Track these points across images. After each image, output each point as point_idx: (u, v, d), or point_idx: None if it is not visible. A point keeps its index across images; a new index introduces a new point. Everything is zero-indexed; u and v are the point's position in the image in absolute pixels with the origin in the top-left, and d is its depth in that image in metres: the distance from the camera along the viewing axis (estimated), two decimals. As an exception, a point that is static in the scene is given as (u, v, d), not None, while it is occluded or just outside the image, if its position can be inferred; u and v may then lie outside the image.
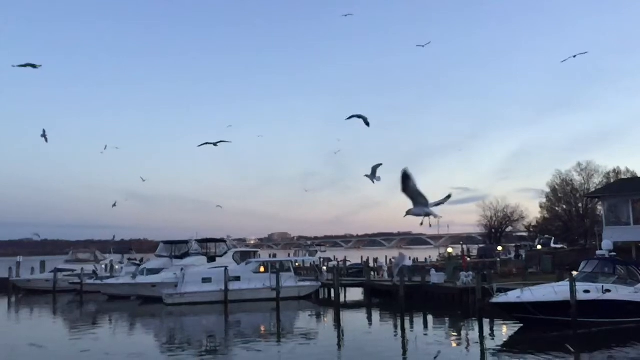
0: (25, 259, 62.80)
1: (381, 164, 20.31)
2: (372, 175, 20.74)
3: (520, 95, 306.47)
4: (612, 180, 61.41)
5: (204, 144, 21.07)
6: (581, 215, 69.03)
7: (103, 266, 52.19)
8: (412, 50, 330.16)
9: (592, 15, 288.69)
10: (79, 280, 44.20)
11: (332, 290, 36.75)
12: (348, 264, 55.15)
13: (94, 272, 47.48)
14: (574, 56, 31.05)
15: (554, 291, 23.82)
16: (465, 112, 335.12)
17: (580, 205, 70.11)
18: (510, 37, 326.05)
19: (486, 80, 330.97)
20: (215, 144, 20.64)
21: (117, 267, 51.86)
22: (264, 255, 58.14)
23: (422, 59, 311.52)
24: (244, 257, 44.48)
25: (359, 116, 18.59)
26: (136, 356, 20.52)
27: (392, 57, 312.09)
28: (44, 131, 31.58)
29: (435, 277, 35.23)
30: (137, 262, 51.12)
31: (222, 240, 47.96)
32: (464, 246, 71.03)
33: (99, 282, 43.33)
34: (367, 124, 18.87)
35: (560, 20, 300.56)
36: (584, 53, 31.06)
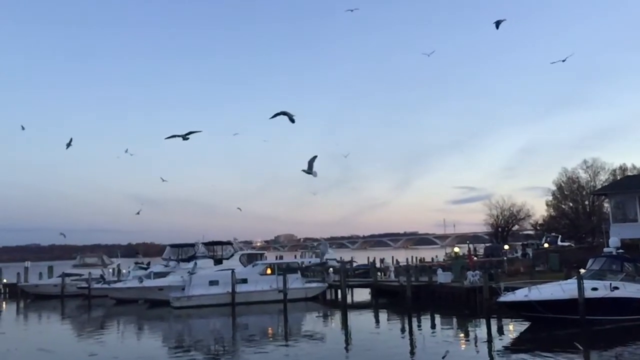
0: (32, 264, 63.15)
1: (316, 156, 20.04)
2: (309, 170, 20.32)
3: (525, 93, 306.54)
4: (618, 177, 61.15)
5: (171, 137, 19.07)
6: (588, 212, 68.82)
7: (110, 270, 52.38)
8: (415, 50, 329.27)
9: (598, 11, 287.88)
10: (86, 285, 44.44)
11: (339, 291, 36.76)
12: (354, 264, 55.06)
13: (102, 276, 47.69)
14: (563, 60, 32.14)
15: (561, 289, 23.76)
16: (470, 110, 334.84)
17: (586, 202, 69.94)
18: (515, 34, 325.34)
19: (491, 78, 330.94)
20: (184, 138, 18.83)
21: (124, 271, 52.05)
22: (271, 257, 58.20)
23: (426, 59, 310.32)
24: (250, 259, 44.55)
25: (284, 113, 17.99)
26: None
27: (395, 57, 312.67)
28: (71, 140, 31.79)
29: (442, 277, 35.16)
30: (144, 266, 51.27)
31: (229, 243, 48.01)
32: (471, 245, 70.77)
33: (106, 286, 43.49)
34: (292, 120, 18.24)
35: (565, 17, 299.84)
36: (568, 57, 32.10)
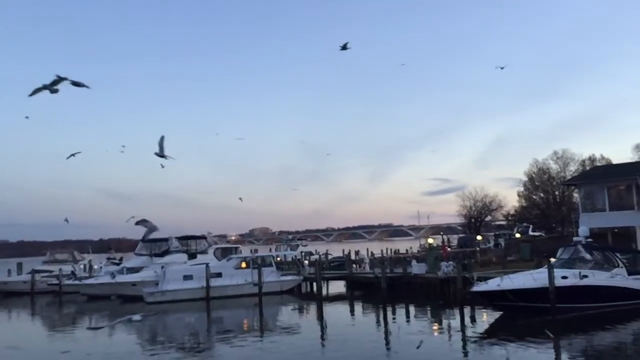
0: (1, 260, 61.90)
1: (163, 136, 19.38)
2: (162, 152, 19.75)
3: (497, 85, 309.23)
4: (587, 168, 62.39)
5: (35, 92, 14.92)
6: (558, 202, 70.12)
7: (82, 266, 51.53)
8: (388, 43, 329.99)
9: (567, 3, 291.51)
10: (57, 281, 43.67)
11: (314, 284, 36.81)
12: (330, 257, 55.19)
13: (73, 272, 46.82)
14: (502, 68, 38.56)
15: (532, 278, 24.17)
16: (443, 103, 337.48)
17: (557, 193, 71.25)
18: (486, 26, 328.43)
19: (463, 70, 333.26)
20: (52, 90, 14.85)
21: (95, 267, 51.22)
22: (245, 251, 57.88)
23: (398, 51, 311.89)
24: (225, 253, 44.19)
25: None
26: (118, 356, 20.28)
27: (367, 50, 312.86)
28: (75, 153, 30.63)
29: (417, 268, 35.44)
30: (117, 261, 50.53)
31: (203, 237, 47.48)
32: (444, 236, 71.64)
33: (77, 282, 42.76)
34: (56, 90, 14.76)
35: (537, 8, 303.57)
36: (504, 67, 35.74)
